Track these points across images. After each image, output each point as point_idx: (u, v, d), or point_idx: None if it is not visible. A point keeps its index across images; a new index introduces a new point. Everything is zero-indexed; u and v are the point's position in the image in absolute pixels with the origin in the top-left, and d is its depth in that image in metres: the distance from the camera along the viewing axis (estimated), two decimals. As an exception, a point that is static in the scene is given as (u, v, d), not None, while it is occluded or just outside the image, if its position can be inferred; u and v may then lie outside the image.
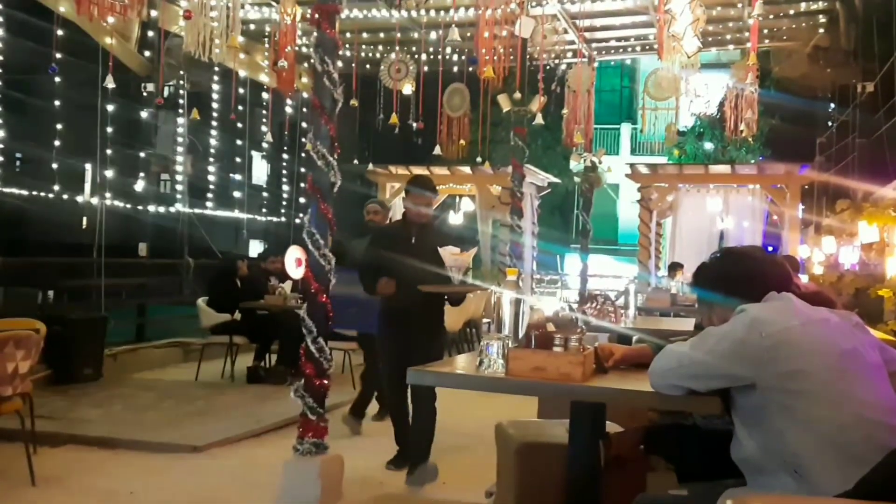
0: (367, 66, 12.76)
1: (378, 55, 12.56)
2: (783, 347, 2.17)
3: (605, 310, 5.18)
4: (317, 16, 4.80)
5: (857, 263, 8.60)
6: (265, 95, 12.30)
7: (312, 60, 4.85)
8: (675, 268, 12.05)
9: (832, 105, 15.18)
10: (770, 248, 12.15)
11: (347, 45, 12.06)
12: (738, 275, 2.49)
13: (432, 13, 10.48)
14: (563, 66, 12.94)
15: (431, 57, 11.93)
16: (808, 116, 16.22)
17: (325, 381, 4.68)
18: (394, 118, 10.35)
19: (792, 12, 10.91)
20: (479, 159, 13.17)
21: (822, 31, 11.25)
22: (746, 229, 13.65)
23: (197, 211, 14.36)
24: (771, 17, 10.72)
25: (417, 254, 5.12)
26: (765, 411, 2.20)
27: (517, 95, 9.03)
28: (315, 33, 4.89)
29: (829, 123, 14.92)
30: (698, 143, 20.55)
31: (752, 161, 17.59)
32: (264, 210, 16.47)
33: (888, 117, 10.15)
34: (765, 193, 13.90)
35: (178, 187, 13.13)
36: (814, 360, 2.17)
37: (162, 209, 15.36)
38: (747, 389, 2.23)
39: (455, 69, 12.39)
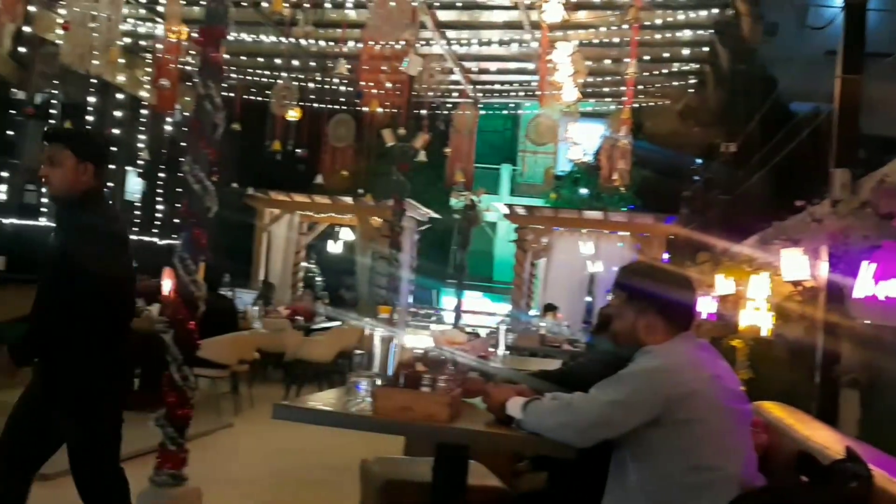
0: (252, 89, 12.61)
1: (264, 80, 12.45)
2: (691, 398, 2.29)
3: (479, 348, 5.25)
4: (202, 38, 4.73)
5: (715, 313, 9.06)
6: (144, 111, 11.95)
7: (195, 81, 4.77)
8: (549, 309, 12.34)
9: (699, 161, 16.03)
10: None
11: (234, 69, 11.90)
12: (679, 304, 2.53)
13: (322, 43, 10.47)
14: (449, 105, 13.20)
15: (318, 86, 11.92)
16: (676, 170, 17.07)
17: (188, 411, 4.55)
18: (276, 144, 10.27)
19: (665, 71, 11.53)
20: (360, 190, 13.19)
21: (691, 91, 11.93)
22: (615, 275, 14.15)
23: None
24: (646, 73, 11.30)
25: (48, 259, 3.18)
26: (658, 450, 2.31)
27: (402, 131, 9.13)
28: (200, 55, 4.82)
29: (695, 178, 15.75)
30: (574, 188, 21.23)
31: (623, 209, 18.31)
32: (137, 228, 15.87)
33: (747, 177, 10.81)
34: (634, 241, 14.50)
35: (45, 199, 12.50)
36: (713, 414, 2.30)
37: (25, 221, 14.55)
38: (648, 427, 2.31)
39: (343, 99, 12.42)
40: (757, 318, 6.71)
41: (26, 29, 9.15)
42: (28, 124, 13.37)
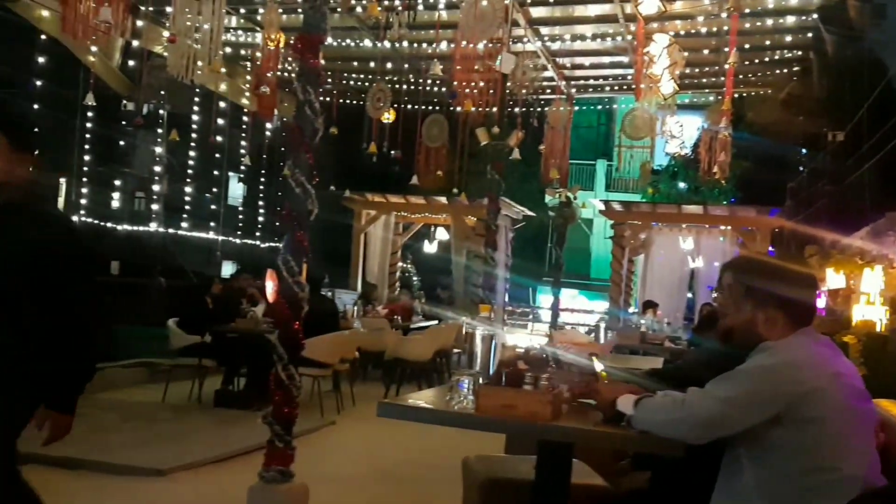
0: (348, 93, 12.85)
1: (358, 83, 12.66)
2: (813, 396, 2.21)
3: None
4: (300, 45, 4.85)
5: (824, 308, 8.73)
6: (244, 118, 12.33)
7: (294, 87, 4.88)
8: (648, 306, 12.12)
9: (803, 151, 15.45)
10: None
11: (329, 73, 12.14)
12: (800, 298, 2.43)
13: (415, 45, 10.57)
14: (542, 102, 13.10)
15: (412, 87, 12.04)
16: (779, 161, 16.50)
17: (294, 409, 4.67)
18: (372, 147, 10.43)
19: (767, 59, 11.15)
20: (455, 190, 13.26)
21: (795, 79, 11.50)
22: (717, 270, 13.80)
23: (171, 231, 14.28)
24: (746, 63, 10.95)
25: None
26: (776, 450, 2.25)
27: (496, 129, 9.10)
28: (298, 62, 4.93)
29: (800, 169, 15.19)
30: (672, 182, 20.81)
31: (724, 202, 17.83)
32: (239, 232, 16.40)
33: (856, 167, 10.36)
34: (736, 235, 14.10)
35: (154, 206, 13.06)
36: (836, 413, 2.22)
37: (135, 228, 15.23)
38: (767, 426, 2.25)
39: (435, 100, 12.51)
40: (870, 312, 6.44)
41: (134, 43, 9.58)
42: (137, 135, 13.99)
